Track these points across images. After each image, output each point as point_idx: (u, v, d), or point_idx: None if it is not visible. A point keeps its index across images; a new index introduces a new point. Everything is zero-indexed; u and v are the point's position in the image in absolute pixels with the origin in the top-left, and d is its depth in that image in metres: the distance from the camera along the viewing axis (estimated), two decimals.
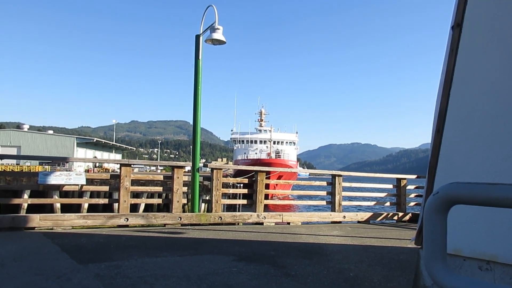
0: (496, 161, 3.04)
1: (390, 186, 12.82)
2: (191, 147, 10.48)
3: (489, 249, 2.98)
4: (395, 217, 12.14)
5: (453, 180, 1.37)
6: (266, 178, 10.93)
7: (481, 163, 3.15)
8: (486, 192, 1.13)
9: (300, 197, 34.66)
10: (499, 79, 3.13)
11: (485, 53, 3.26)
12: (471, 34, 3.34)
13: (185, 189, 9.98)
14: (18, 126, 76.00)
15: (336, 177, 11.60)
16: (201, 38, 10.05)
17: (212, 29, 9.60)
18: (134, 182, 9.98)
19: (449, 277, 1.17)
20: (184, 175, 9.93)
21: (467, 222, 3.13)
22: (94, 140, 69.45)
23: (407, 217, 12.23)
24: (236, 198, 11.44)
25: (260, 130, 72.08)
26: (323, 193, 12.32)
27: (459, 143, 3.35)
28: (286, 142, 67.78)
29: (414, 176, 13.36)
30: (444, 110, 3.45)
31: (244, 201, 11.21)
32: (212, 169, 10.22)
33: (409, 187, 12.86)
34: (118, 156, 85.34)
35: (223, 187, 10.32)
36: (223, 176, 10.38)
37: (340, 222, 11.29)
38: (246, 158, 60.30)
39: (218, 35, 9.55)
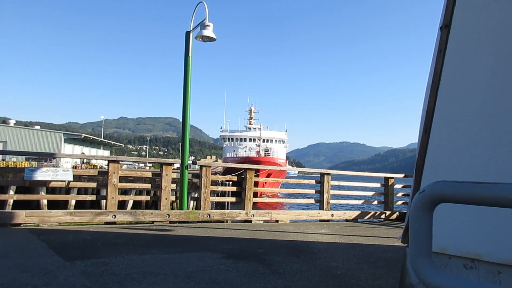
0: (482, 160, 3.08)
1: (378, 185, 12.93)
2: (180, 144, 10.43)
3: (474, 248, 3.03)
4: (383, 216, 12.26)
5: (440, 179, 1.39)
6: (255, 176, 10.95)
7: (468, 162, 3.20)
8: (471, 191, 1.15)
9: (289, 195, 34.76)
10: (486, 79, 3.18)
11: (473, 54, 3.30)
12: (459, 35, 3.38)
13: (173, 186, 9.94)
14: (4, 121, 74.78)
15: (325, 176, 11.66)
16: (191, 34, 10.00)
17: (203, 25, 9.56)
18: (122, 179, 9.92)
19: (433, 275, 1.18)
20: (172, 172, 9.88)
21: (453, 221, 3.17)
22: (82, 136, 68.64)
23: (394, 216, 12.36)
24: (225, 196, 11.46)
25: (249, 128, 72.13)
26: (312, 191, 12.37)
27: (446, 143, 3.39)
28: (276, 140, 67.93)
29: (401, 175, 13.49)
30: (431, 110, 3.48)
31: (233, 199, 11.22)
32: (201, 167, 10.20)
33: (396, 186, 12.98)
34: (106, 153, 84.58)
35: (212, 185, 10.31)
36: (212, 174, 10.37)
37: (328, 221, 11.35)
38: (235, 156, 60.33)
39: (209, 32, 9.51)
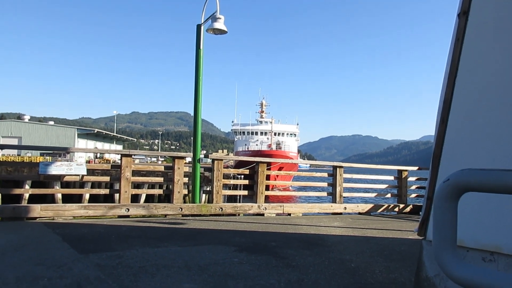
0: (502, 150, 3.00)
1: (391, 177, 12.79)
2: (192, 138, 10.44)
3: (493, 240, 2.95)
4: (396, 209, 12.14)
5: (457, 169, 1.33)
6: (267, 169, 10.91)
7: (487, 152, 3.11)
8: (500, 179, 1.09)
9: (301, 188, 34.67)
10: (505, 68, 3.08)
11: (492, 42, 3.20)
12: (478, 22, 3.28)
13: (186, 180, 9.97)
14: (19, 117, 75.85)
15: (337, 169, 11.57)
16: (202, 27, 9.96)
17: (214, 18, 9.51)
18: (135, 173, 9.98)
19: (458, 267, 1.13)
20: (185, 166, 9.90)
21: (471, 213, 3.09)
22: (95, 131, 69.38)
23: (408, 209, 12.23)
24: (237, 189, 11.45)
25: (261, 122, 72.02)
26: (324, 184, 12.30)
27: (464, 133, 3.30)
28: (287, 134, 67.75)
29: (415, 168, 13.33)
30: (449, 100, 3.40)
31: (245, 192, 11.21)
32: (213, 160, 10.20)
33: (410, 178, 12.83)
34: (119, 147, 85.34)
35: (224, 178, 10.31)
36: (224, 167, 10.36)
37: (341, 214, 11.28)
38: (247, 149, 60.35)
39: (220, 24, 9.45)
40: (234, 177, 16.06)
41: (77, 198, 22.86)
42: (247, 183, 10.89)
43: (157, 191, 11.79)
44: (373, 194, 13.30)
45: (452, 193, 1.19)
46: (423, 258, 3.49)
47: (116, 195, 9.57)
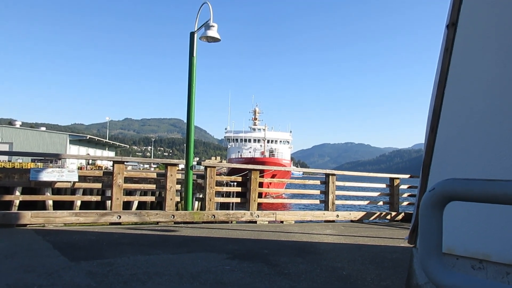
0: (491, 159, 3.05)
1: (383, 185, 12.85)
2: (185, 145, 10.44)
3: (482, 248, 2.99)
4: (388, 217, 12.19)
5: (447, 178, 1.36)
6: (260, 176, 10.92)
7: (476, 161, 3.16)
8: (483, 188, 1.12)
9: (293, 196, 34.67)
10: (493, 78, 3.14)
11: (480, 52, 3.27)
12: (466, 33, 3.35)
13: (178, 187, 9.94)
14: (10, 123, 75.22)
15: (330, 176, 11.61)
16: (195, 35, 10.00)
17: (207, 26, 9.56)
18: (127, 180, 9.94)
19: (444, 274, 1.16)
20: (177, 173, 9.88)
21: (460, 221, 3.13)
22: (87, 137, 68.93)
23: (400, 217, 12.28)
24: (230, 197, 11.44)
25: (254, 129, 72.09)
26: (317, 192, 12.33)
27: (453, 142, 3.35)
28: (280, 141, 67.86)
29: (407, 176, 13.41)
30: (438, 109, 3.45)
31: (238, 200, 11.20)
32: (206, 167, 10.19)
33: (402, 186, 12.90)
34: (112, 154, 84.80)
35: (216, 185, 10.30)
36: (216, 175, 10.36)
37: (333, 221, 11.30)
38: (240, 156, 60.32)
39: (213, 32, 9.51)
40: (227, 184, 16.04)
41: (68, 205, 22.66)
42: (240, 190, 10.89)
43: (149, 198, 11.75)
44: (366, 202, 13.35)
45: (437, 202, 1.22)
46: (413, 266, 3.51)
47: (108, 202, 9.53)
